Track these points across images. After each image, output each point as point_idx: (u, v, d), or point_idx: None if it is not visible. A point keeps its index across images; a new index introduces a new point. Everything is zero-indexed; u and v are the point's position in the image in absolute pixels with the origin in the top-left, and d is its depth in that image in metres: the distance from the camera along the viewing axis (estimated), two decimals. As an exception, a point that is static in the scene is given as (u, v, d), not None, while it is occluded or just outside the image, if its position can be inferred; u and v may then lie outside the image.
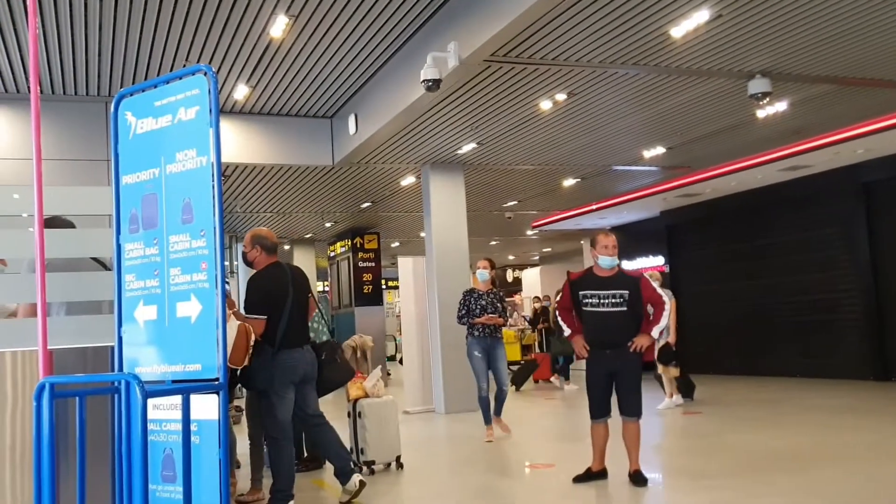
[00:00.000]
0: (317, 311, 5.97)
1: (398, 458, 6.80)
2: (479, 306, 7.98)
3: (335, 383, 6.02)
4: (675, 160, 12.41)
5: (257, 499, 5.78)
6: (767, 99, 8.37)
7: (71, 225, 3.80)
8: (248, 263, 5.57)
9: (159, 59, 7.81)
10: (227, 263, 17.68)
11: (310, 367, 5.47)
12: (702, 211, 14.21)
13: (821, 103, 9.57)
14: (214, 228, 2.62)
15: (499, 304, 8.07)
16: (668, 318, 5.68)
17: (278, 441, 5.32)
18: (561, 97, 8.68)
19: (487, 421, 8.05)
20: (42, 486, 2.38)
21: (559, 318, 6.01)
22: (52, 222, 3.43)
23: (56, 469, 2.42)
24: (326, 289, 22.58)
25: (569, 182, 13.75)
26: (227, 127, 9.58)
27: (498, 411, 8.12)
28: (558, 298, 6.03)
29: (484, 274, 8.15)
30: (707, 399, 10.49)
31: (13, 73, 8.00)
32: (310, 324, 5.79)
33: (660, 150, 11.54)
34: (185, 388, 2.53)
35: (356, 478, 5.50)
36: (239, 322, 5.01)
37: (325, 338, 6.24)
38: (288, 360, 5.29)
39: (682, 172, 12.82)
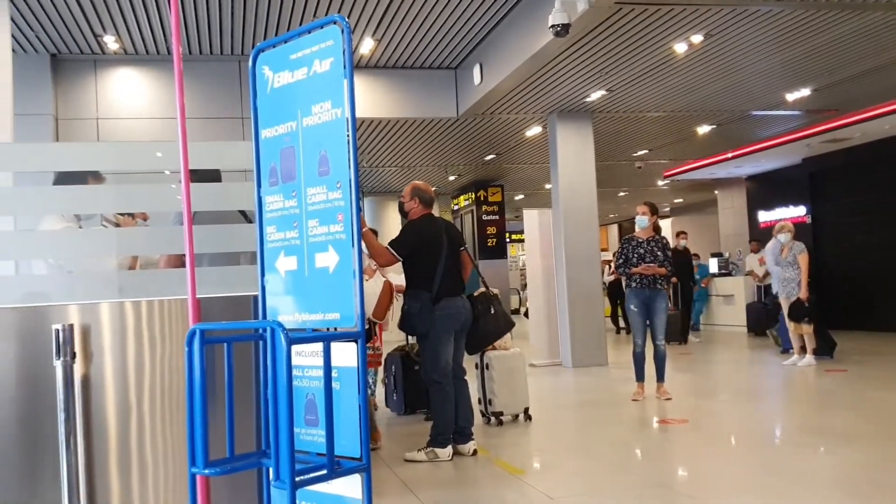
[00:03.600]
0: (473, 266, 5.94)
1: (526, 410, 6.81)
2: (636, 255, 7.46)
3: (493, 335, 6.01)
4: (822, 103, 11.60)
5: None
6: (930, 32, 7.65)
7: (218, 177, 3.95)
8: (404, 214, 5.69)
9: (288, 17, 7.96)
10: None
11: (468, 317, 5.61)
12: (850, 157, 13.28)
13: None
14: (350, 180, 2.63)
15: (659, 253, 7.44)
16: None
17: (441, 385, 5.44)
18: (697, 39, 8.24)
19: (639, 378, 7.58)
20: (195, 426, 2.50)
21: None
22: (205, 175, 3.56)
23: (206, 411, 2.53)
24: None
25: (703, 129, 13.14)
26: (354, 81, 9.67)
27: (659, 376, 7.51)
28: None
29: (643, 220, 7.60)
30: (856, 356, 9.91)
31: (153, 36, 8.37)
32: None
33: (805, 92, 10.80)
34: (327, 335, 2.58)
35: (472, 445, 5.55)
36: (385, 279, 5.13)
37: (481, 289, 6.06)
38: (449, 308, 5.43)
39: (828, 116, 11.99)
